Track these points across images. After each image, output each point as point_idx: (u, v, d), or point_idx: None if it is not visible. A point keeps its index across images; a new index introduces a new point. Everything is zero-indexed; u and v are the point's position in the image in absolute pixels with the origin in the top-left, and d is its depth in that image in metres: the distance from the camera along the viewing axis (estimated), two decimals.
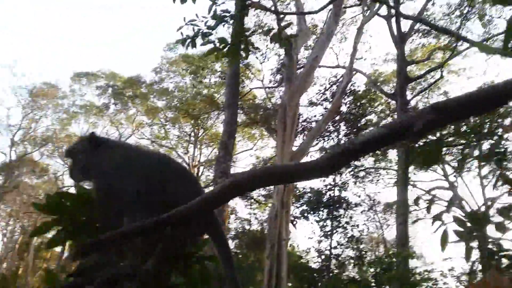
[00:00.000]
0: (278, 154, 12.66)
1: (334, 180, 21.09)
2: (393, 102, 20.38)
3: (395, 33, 17.83)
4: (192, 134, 29.22)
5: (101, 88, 30.12)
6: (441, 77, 19.44)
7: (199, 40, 5.62)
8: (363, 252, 20.35)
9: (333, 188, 20.98)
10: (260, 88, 21.56)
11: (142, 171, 2.07)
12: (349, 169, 21.52)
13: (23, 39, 60.75)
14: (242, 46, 5.30)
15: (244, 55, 5.58)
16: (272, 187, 24.09)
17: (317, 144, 19.86)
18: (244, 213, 27.07)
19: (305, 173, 1.41)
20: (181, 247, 1.73)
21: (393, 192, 25.74)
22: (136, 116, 30.25)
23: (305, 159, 15.36)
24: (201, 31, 5.56)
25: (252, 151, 29.19)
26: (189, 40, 5.68)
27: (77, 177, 2.22)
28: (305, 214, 20.61)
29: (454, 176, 26.28)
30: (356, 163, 21.72)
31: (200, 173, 29.97)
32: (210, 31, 5.50)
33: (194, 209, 1.53)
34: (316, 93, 20.44)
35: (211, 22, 5.53)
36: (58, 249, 34.75)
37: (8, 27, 63.15)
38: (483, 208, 23.97)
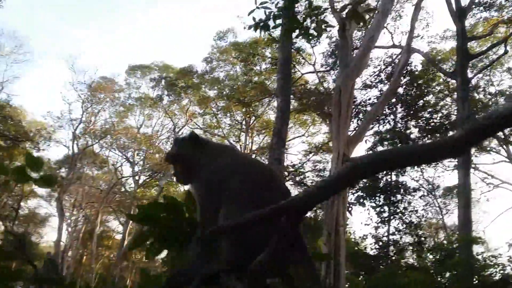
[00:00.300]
0: (334, 139, 12.37)
1: None
2: (453, 81, 19.45)
3: (454, 7, 16.89)
4: (244, 122, 29.32)
5: (154, 80, 30.81)
6: (505, 52, 18.26)
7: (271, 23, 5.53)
8: (422, 238, 19.71)
9: (389, 173, 20.41)
10: (312, 72, 21.22)
11: (243, 173, 2.11)
12: None
13: (81, 37, 63.19)
14: (313, 25, 5.14)
15: (316, 33, 5.42)
16: (326, 172, 23.82)
17: (372, 128, 19.34)
18: None
19: (434, 154, 1.27)
20: (291, 242, 1.66)
21: (453, 175, 24.70)
22: (189, 106, 30.74)
23: (361, 144, 15.00)
24: (272, 13, 5.44)
25: (304, 138, 28.96)
26: (261, 24, 5.59)
27: (185, 181, 2.21)
28: (361, 200, 20.20)
29: None
30: None
31: None
32: (281, 12, 5.38)
33: (313, 195, 1.46)
34: (370, 75, 19.83)
35: (281, 3, 5.41)
36: (118, 237, 36.18)
37: (68, 26, 65.85)
38: None
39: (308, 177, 22.99)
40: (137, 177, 33.39)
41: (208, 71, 28.10)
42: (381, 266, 19.03)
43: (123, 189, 34.28)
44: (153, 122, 33.21)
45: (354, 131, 13.93)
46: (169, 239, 2.04)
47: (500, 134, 23.20)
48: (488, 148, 25.51)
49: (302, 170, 22.60)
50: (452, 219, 25.95)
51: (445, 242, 19.64)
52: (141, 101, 31.98)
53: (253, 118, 28.83)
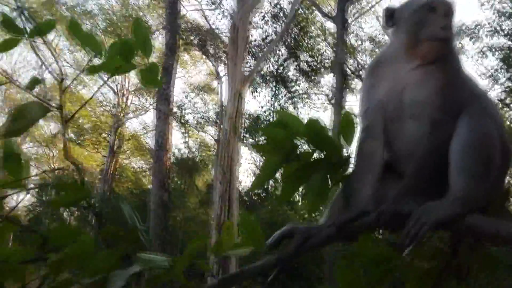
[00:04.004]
0: (230, 77, 12.32)
1: (272, 105, 21.27)
2: (328, 26, 20.41)
3: None
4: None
5: (14, 10, 26.97)
6: None
7: None
8: None
9: (271, 113, 21.20)
10: (198, 10, 20.44)
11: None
12: (287, 94, 21.78)
13: None
14: None
15: None
16: (211, 113, 23.84)
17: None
18: (178, 142, 26.96)
19: None
20: None
21: (325, 114, 26.36)
22: (58, 41, 27.74)
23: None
24: None
25: (185, 78, 28.38)
26: None
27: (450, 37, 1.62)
28: (244, 140, 20.78)
29: None
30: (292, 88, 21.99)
31: (129, 102, 28.77)
32: None
33: None
34: (254, 16, 19.81)
35: None
36: None
37: None
38: None
39: (193, 118, 22.87)
40: None
41: (80, 3, 25.44)
42: (260, 200, 20.09)
43: None
44: (15, 58, 29.51)
45: (247, 71, 13.99)
46: (312, 172, 1.57)
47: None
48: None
49: (186, 110, 22.31)
50: None
51: None
52: None
53: None
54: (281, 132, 1.54)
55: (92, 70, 1.51)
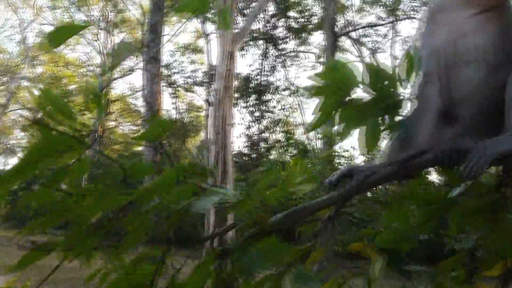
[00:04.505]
0: (220, 36, 12.07)
1: (262, 64, 21.05)
2: None
3: None
4: (101, 18, 26.83)
5: None
6: None
7: None
8: (289, 135, 20.69)
9: (261, 73, 21.01)
10: None
11: None
12: (275, 53, 21.53)
13: None
14: None
15: None
16: (201, 74, 23.51)
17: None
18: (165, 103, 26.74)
19: None
20: None
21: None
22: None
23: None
24: None
25: (171, 37, 27.80)
26: None
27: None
28: (234, 101, 20.63)
29: (369, 57, 27.41)
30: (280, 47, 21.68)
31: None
32: None
33: None
34: None
35: None
36: None
37: None
38: None
39: (180, 78, 22.59)
40: None
41: None
42: (251, 162, 20.16)
43: None
44: None
45: (241, 28, 13.68)
46: (369, 114, 1.63)
47: (352, 34, 24.98)
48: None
49: (175, 70, 21.97)
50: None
51: (304, 138, 21.38)
52: None
53: (113, 14, 26.58)
54: (339, 74, 1.56)
55: (177, 10, 1.64)
